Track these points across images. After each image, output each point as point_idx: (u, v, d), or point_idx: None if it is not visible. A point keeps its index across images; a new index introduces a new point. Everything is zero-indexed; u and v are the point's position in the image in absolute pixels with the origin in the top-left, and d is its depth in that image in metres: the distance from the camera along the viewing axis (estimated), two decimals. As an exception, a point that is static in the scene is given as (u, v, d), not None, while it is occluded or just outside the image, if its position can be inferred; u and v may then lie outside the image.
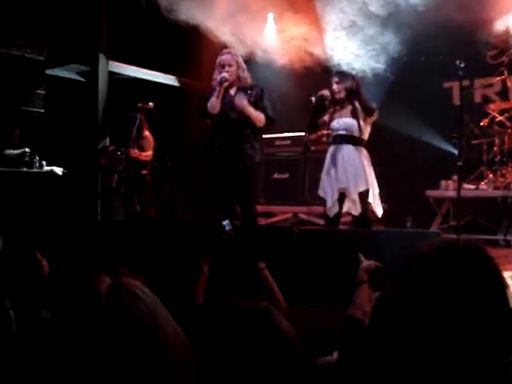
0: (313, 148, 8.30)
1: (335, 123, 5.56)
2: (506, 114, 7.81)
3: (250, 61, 7.34)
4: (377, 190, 5.58)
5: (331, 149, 5.63)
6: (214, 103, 5.16)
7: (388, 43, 7.81)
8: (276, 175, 8.55)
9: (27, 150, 7.41)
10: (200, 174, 7.76)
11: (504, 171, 7.58)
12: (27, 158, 7.42)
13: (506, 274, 2.50)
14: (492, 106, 7.96)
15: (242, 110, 5.13)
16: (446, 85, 8.61)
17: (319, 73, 8.08)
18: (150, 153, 7.31)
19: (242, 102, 5.12)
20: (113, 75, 8.93)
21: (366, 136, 5.59)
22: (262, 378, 1.30)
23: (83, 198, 8.06)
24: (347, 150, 5.49)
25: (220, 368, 1.26)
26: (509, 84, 8.15)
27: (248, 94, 5.20)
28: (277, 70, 8.44)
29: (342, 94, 5.52)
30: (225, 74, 5.12)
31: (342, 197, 5.49)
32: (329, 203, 5.55)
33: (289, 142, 8.58)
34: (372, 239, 4.48)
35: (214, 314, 1.44)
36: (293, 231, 4.97)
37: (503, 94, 8.39)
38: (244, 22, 7.78)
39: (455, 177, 6.86)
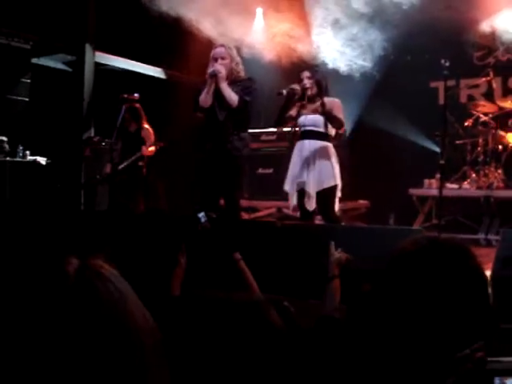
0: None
1: (303, 119, 5.57)
2: (490, 115, 7.87)
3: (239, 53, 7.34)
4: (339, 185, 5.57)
5: (298, 143, 5.64)
6: (204, 97, 5.16)
7: (374, 42, 7.83)
8: (260, 170, 8.56)
9: (3, 138, 7.34)
10: (185, 166, 7.75)
11: (487, 171, 7.65)
12: (6, 147, 7.35)
13: (487, 273, 2.54)
14: (477, 107, 8.02)
15: (217, 79, 5.06)
16: (432, 84, 8.66)
17: (306, 69, 8.08)
18: (153, 148, 7.24)
19: (221, 71, 5.07)
20: (99, 66, 8.89)
21: (332, 132, 5.60)
22: (253, 370, 1.31)
23: (67, 188, 8.01)
24: (313, 145, 5.49)
25: (208, 359, 1.27)
26: (494, 85, 8.22)
27: (237, 85, 5.19)
28: (264, 65, 8.43)
29: (314, 90, 5.53)
30: (216, 68, 5.10)
31: (303, 191, 5.49)
32: (290, 198, 5.59)
33: (274, 137, 8.58)
34: (354, 235, 4.50)
35: (199, 305, 1.44)
36: (275, 225, 4.99)
37: (489, 95, 8.45)
38: (232, 16, 7.76)
39: (438, 175, 6.91)
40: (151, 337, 0.91)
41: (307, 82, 5.53)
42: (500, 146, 7.67)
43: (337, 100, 5.62)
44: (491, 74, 8.05)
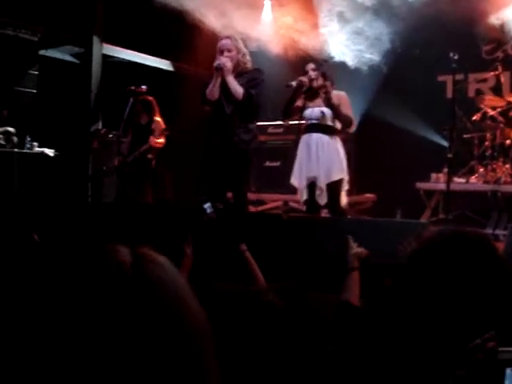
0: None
1: (309, 112, 5.57)
2: (499, 109, 7.83)
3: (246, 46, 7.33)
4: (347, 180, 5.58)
5: (305, 137, 5.64)
6: (211, 90, 5.15)
7: (382, 35, 7.80)
8: (267, 163, 8.55)
9: (9, 129, 7.35)
10: (193, 158, 7.75)
11: (495, 166, 7.62)
12: (14, 139, 7.37)
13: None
14: (485, 101, 7.98)
15: (223, 72, 5.05)
16: (440, 78, 8.62)
17: (311, 61, 8.08)
18: (163, 140, 7.25)
19: (227, 64, 5.06)
20: (107, 58, 8.89)
21: (338, 125, 5.59)
22: (258, 357, 1.31)
23: (74, 180, 8.03)
24: (321, 138, 5.49)
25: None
26: (502, 79, 8.17)
27: (244, 77, 5.18)
28: (271, 57, 8.41)
29: (320, 81, 5.52)
30: (222, 61, 5.08)
31: (314, 185, 5.49)
32: (299, 191, 5.59)
33: (281, 129, 8.57)
34: (360, 228, 4.50)
35: (207, 296, 1.44)
36: (282, 218, 5.00)
37: (497, 90, 8.41)
38: (240, 9, 7.74)
39: (446, 170, 6.88)
40: (205, 326, 0.86)
41: (312, 74, 5.51)
42: (508, 141, 7.63)
43: (343, 93, 5.61)
44: (500, 68, 8.01)
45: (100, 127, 8.50)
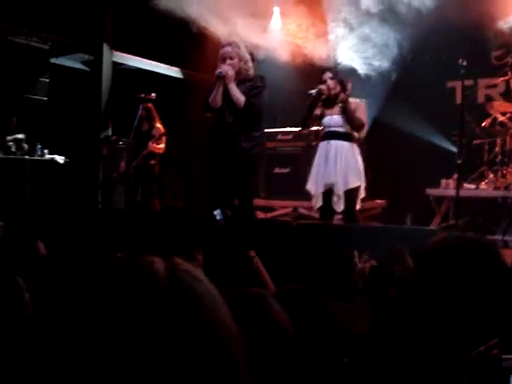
0: (314, 143, 8.32)
1: (327, 120, 5.61)
2: (508, 115, 7.81)
3: (253, 55, 7.34)
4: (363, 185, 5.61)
5: (323, 144, 5.68)
6: (213, 98, 5.13)
7: (391, 41, 7.81)
8: (277, 169, 8.56)
9: (20, 136, 7.40)
10: (203, 165, 7.78)
11: (505, 172, 7.58)
12: (25, 146, 7.42)
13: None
14: (494, 107, 7.96)
15: (225, 80, 5.05)
16: (450, 84, 8.61)
17: (323, 69, 8.09)
18: (163, 146, 7.31)
19: (228, 72, 5.06)
20: (117, 65, 8.94)
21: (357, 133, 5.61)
22: (254, 363, 1.31)
23: (84, 186, 8.08)
24: (339, 146, 5.54)
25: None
26: (512, 85, 8.16)
27: (246, 85, 5.16)
28: (281, 65, 8.44)
29: (337, 90, 5.56)
30: (223, 69, 5.06)
31: (330, 192, 5.51)
32: (314, 197, 5.61)
33: (290, 136, 8.58)
34: (370, 235, 4.50)
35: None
36: (291, 224, 5.00)
37: (507, 95, 8.38)
38: (248, 16, 7.78)
39: (455, 176, 6.87)
40: (238, 339, 0.86)
41: (330, 83, 5.55)
42: (518, 147, 7.61)
43: (360, 101, 5.67)
44: (509, 73, 7.98)
45: (110, 134, 8.55)
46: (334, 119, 5.56)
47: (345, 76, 5.79)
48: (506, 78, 8.04)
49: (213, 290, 0.87)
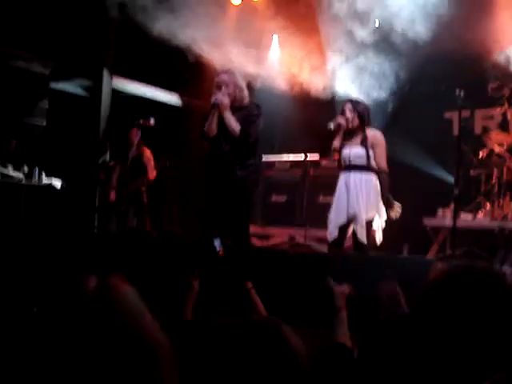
0: (312, 171, 8.35)
1: (346, 151, 5.65)
2: (505, 146, 7.85)
3: (252, 83, 7.39)
4: (383, 218, 5.60)
5: (343, 176, 5.68)
6: (208, 126, 5.11)
7: (389, 72, 7.86)
8: (274, 197, 8.56)
9: (25, 169, 7.42)
10: (200, 191, 7.78)
11: (502, 202, 7.60)
12: (25, 168, 7.42)
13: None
14: (491, 138, 8.00)
15: (220, 109, 5.03)
16: (447, 115, 8.66)
17: (321, 98, 8.15)
18: (155, 172, 7.34)
19: (223, 101, 5.06)
20: (116, 91, 8.99)
21: (377, 164, 5.65)
22: None
23: (81, 211, 8.07)
24: (359, 177, 5.58)
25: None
26: (509, 116, 8.21)
27: (241, 113, 5.15)
28: (278, 93, 8.49)
29: (356, 123, 5.61)
30: (218, 97, 5.04)
31: (348, 223, 5.51)
32: (331, 228, 5.62)
33: (288, 164, 8.60)
34: (366, 264, 4.49)
35: (218, 329, 1.44)
36: (288, 253, 4.99)
37: (503, 126, 8.43)
38: (246, 44, 7.84)
39: (452, 206, 6.87)
40: (166, 353, 1.00)
41: (350, 116, 5.59)
42: (515, 177, 7.63)
43: (379, 133, 5.70)
44: (506, 104, 8.05)
45: (108, 159, 8.56)
46: (352, 151, 5.60)
47: (365, 107, 5.79)
48: (503, 109, 8.11)
49: (138, 304, 1.03)
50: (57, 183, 7.82)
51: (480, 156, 7.92)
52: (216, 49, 7.34)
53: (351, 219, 5.52)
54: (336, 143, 5.70)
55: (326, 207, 8.14)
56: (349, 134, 5.70)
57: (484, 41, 7.52)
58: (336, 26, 7.72)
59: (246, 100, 5.26)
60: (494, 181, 7.77)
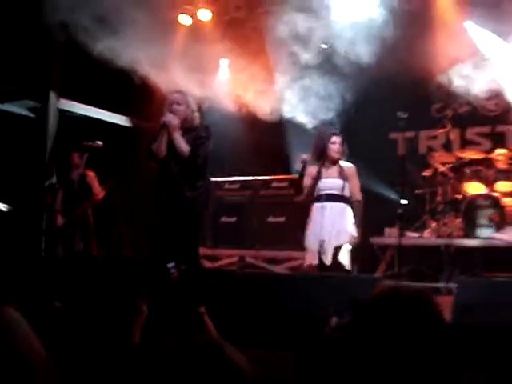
0: (261, 192, 8.40)
1: (323, 182, 5.73)
2: (449, 165, 8.07)
3: (200, 106, 7.41)
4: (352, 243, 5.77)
5: (317, 206, 5.78)
6: (157, 147, 5.07)
7: (335, 94, 8.00)
8: (224, 218, 8.56)
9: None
10: (149, 212, 7.72)
11: (446, 220, 7.79)
12: None
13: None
14: (435, 157, 8.21)
15: (170, 129, 5.02)
16: (392, 136, 8.86)
17: (269, 119, 8.23)
18: (102, 193, 7.26)
19: (173, 122, 5.04)
20: (63, 112, 8.88)
21: (352, 194, 5.83)
22: None
23: (28, 234, 7.91)
24: (335, 207, 5.73)
25: None
26: (452, 136, 8.45)
27: (190, 135, 5.13)
28: (228, 115, 8.53)
29: (338, 156, 5.77)
30: (168, 118, 5.03)
31: (322, 246, 5.64)
32: (312, 256, 5.69)
33: (237, 185, 8.63)
34: (316, 283, 4.53)
35: (162, 350, 1.46)
36: (237, 274, 4.99)
37: (447, 146, 8.67)
38: (197, 67, 7.86)
39: (399, 225, 7.00)
40: (40, 360, 1.25)
41: (337, 148, 5.81)
42: (459, 196, 7.84)
43: (352, 166, 5.88)
44: (449, 125, 8.28)
45: (54, 182, 8.41)
46: (328, 182, 5.76)
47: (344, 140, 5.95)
48: (446, 129, 8.34)
49: (23, 325, 1.27)
50: (3, 207, 7.65)
51: (425, 175, 8.11)
52: (162, 70, 7.33)
53: (324, 243, 5.64)
54: (307, 181, 5.79)
55: (276, 227, 8.25)
56: (327, 166, 5.83)
57: (426, 63, 7.74)
58: (281, 48, 7.82)
59: (197, 121, 5.25)
60: (438, 199, 7.96)
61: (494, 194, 7.60)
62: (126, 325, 2.90)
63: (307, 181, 5.81)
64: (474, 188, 7.76)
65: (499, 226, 7.43)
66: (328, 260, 5.59)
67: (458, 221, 7.71)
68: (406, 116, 6.27)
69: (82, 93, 8.89)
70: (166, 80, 7.10)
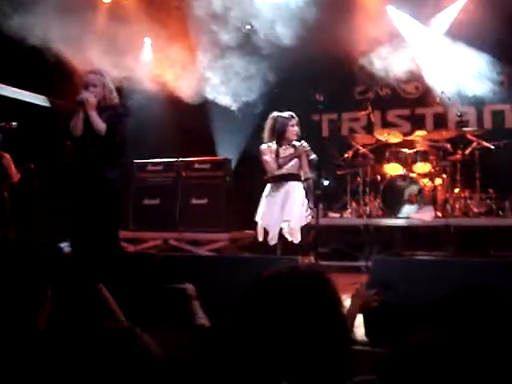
0: (184, 174, 8.34)
1: (281, 161, 5.81)
2: (369, 147, 8.24)
3: (123, 86, 7.27)
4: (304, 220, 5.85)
5: (272, 185, 5.86)
6: (74, 125, 4.96)
7: (258, 76, 8.00)
8: (146, 201, 8.45)
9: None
10: (69, 194, 7.56)
11: (366, 200, 7.97)
12: None
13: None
14: (356, 139, 8.37)
15: (86, 107, 4.90)
16: (315, 117, 8.95)
17: (193, 101, 8.17)
18: (18, 175, 7.05)
19: (89, 99, 4.92)
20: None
21: (305, 173, 5.90)
22: None
23: None
24: (291, 186, 5.80)
25: None
26: (373, 118, 8.62)
27: (107, 113, 5.03)
28: (151, 95, 8.40)
29: (296, 137, 5.90)
30: (83, 95, 4.92)
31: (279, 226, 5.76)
32: (271, 235, 5.79)
33: (161, 167, 8.53)
34: (231, 265, 4.55)
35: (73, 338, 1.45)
36: (155, 258, 4.95)
37: (368, 128, 8.84)
38: (119, 46, 7.70)
39: (320, 205, 7.11)
40: None
41: (297, 130, 5.92)
42: (378, 177, 8.03)
43: (303, 143, 5.90)
44: (370, 107, 8.44)
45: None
46: (289, 162, 5.81)
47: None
48: (367, 112, 8.49)
49: None
50: None
51: (346, 156, 8.25)
52: (79, 49, 7.14)
53: (283, 222, 5.75)
54: (268, 159, 5.80)
55: (199, 209, 8.21)
56: (285, 146, 5.87)
57: (348, 45, 7.84)
58: (201, 28, 7.76)
59: (115, 101, 5.15)
60: (359, 180, 8.12)
61: (412, 174, 7.81)
62: (31, 311, 2.82)
63: (269, 158, 5.84)
64: (392, 169, 7.96)
65: (417, 205, 7.66)
66: (297, 239, 5.73)
67: (378, 201, 7.89)
68: (323, 99, 6.36)
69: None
70: (84, 59, 6.91)
